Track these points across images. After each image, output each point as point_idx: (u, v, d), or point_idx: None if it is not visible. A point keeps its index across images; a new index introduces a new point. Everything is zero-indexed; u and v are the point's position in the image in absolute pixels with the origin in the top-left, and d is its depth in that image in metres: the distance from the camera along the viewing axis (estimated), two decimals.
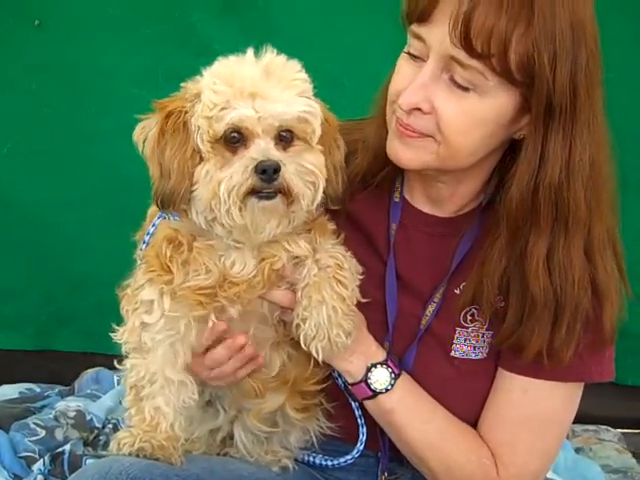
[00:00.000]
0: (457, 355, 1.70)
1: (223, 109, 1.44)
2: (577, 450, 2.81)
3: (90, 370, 2.98)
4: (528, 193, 1.52)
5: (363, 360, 1.64)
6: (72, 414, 2.62)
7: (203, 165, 1.46)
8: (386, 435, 1.73)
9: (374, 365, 1.64)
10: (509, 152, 1.62)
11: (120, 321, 3.15)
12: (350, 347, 1.59)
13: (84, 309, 3.21)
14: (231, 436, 1.74)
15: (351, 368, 1.64)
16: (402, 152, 1.58)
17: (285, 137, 1.47)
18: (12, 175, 3.16)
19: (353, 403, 1.70)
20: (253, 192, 1.44)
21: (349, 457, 1.75)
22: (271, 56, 1.48)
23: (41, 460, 2.40)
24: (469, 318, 1.69)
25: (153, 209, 1.63)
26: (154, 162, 1.50)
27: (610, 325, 1.60)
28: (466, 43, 1.44)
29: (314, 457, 1.80)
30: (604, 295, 1.58)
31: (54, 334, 3.25)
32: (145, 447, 1.51)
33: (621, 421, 3.06)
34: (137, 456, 1.51)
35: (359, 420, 1.72)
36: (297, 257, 1.57)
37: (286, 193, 1.45)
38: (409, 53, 1.55)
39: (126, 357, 1.59)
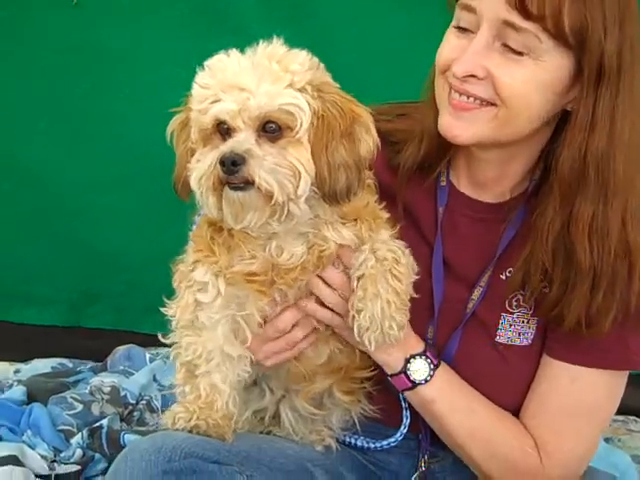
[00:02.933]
0: (502, 341, 1.70)
1: (213, 102, 1.46)
2: (606, 440, 2.80)
3: (122, 347, 2.99)
4: (579, 157, 1.54)
5: (402, 352, 1.65)
6: (107, 389, 2.64)
7: (195, 157, 1.50)
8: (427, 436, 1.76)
9: (413, 356, 1.65)
10: (555, 136, 1.63)
11: (150, 300, 3.19)
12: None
13: (113, 288, 3.22)
14: (274, 416, 1.76)
15: (390, 360, 1.65)
16: (455, 126, 1.58)
17: (271, 129, 1.46)
18: (47, 153, 3.16)
19: (400, 394, 1.71)
20: (226, 183, 1.45)
21: (392, 440, 1.76)
22: (268, 48, 1.49)
23: (79, 434, 2.42)
24: (514, 304, 1.69)
25: None
26: (176, 154, 1.57)
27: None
28: (521, 5, 1.46)
29: (356, 439, 1.81)
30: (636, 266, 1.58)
31: (84, 311, 3.26)
32: (200, 425, 1.52)
33: None
34: (190, 432, 1.52)
35: (403, 403, 1.73)
36: (345, 245, 1.57)
37: (255, 185, 1.44)
38: (458, 27, 1.57)
39: (173, 332, 1.60)
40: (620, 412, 2.98)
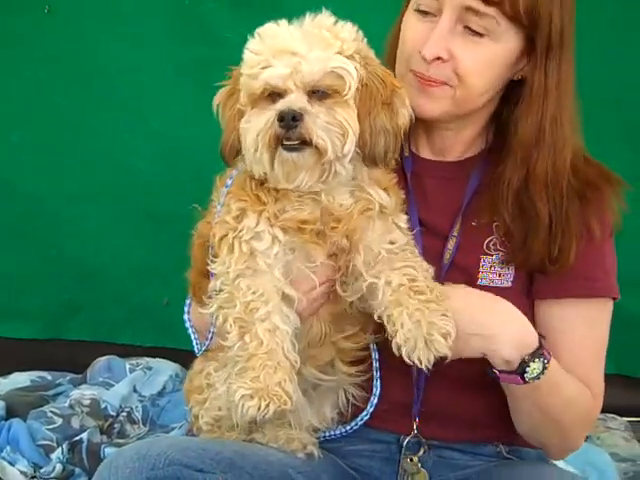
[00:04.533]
0: (484, 283, 1.75)
1: (263, 68, 1.51)
2: (585, 438, 2.83)
3: (101, 358, 2.98)
4: (537, 123, 1.71)
5: (519, 348, 1.60)
6: (87, 402, 2.63)
7: (244, 120, 1.55)
8: (415, 418, 1.78)
9: (530, 357, 1.60)
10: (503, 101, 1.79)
11: (130, 311, 3.18)
12: (493, 337, 1.59)
13: (93, 300, 3.21)
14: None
15: (507, 356, 1.60)
16: (424, 104, 1.71)
17: (319, 92, 1.52)
18: (20, 164, 3.15)
19: (374, 362, 1.72)
20: (280, 144, 1.50)
21: (364, 413, 1.76)
22: (317, 18, 1.56)
23: (59, 448, 2.41)
24: (492, 247, 1.77)
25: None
26: (222, 123, 1.61)
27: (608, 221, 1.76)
28: None
29: (334, 429, 1.81)
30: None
31: (64, 324, 3.24)
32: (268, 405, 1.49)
33: (628, 410, 3.09)
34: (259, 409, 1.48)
35: (375, 373, 1.72)
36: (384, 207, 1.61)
37: (311, 144, 1.50)
38: (419, 10, 1.70)
39: (220, 291, 1.57)
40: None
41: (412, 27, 1.72)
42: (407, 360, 1.52)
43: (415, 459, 1.82)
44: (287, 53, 1.50)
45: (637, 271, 2.93)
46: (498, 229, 1.76)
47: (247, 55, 1.54)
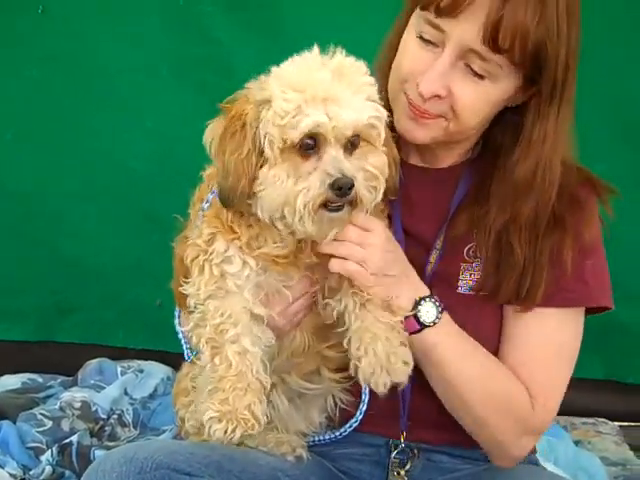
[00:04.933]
0: (463, 291, 1.75)
1: (296, 116, 1.46)
2: (576, 443, 2.84)
3: (93, 361, 2.97)
4: (533, 167, 1.67)
5: (411, 293, 1.66)
6: (77, 405, 2.62)
7: (269, 168, 1.49)
8: (404, 421, 1.77)
9: (423, 299, 1.66)
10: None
11: (121, 313, 3.17)
12: (400, 284, 1.63)
13: (85, 301, 3.19)
14: None
15: (401, 302, 1.64)
16: (415, 132, 1.68)
17: (354, 142, 1.50)
18: (15, 163, 3.13)
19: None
20: (324, 205, 1.49)
21: (353, 420, 1.76)
22: (340, 57, 1.51)
23: (49, 451, 2.40)
24: (471, 254, 1.76)
25: (210, 171, 1.66)
26: (218, 162, 1.54)
27: (588, 236, 1.73)
28: (494, 42, 1.54)
29: (323, 434, 1.82)
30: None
31: (55, 326, 3.22)
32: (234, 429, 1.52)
33: (620, 415, 3.11)
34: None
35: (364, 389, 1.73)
36: None
37: (353, 203, 1.50)
38: (422, 37, 1.63)
39: (192, 312, 1.60)
40: (589, 414, 3.07)
41: (412, 53, 1.65)
42: (362, 383, 1.59)
43: (402, 472, 1.82)
44: (324, 99, 1.45)
45: (628, 280, 2.94)
46: (473, 233, 1.74)
47: (277, 104, 1.46)
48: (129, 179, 3.12)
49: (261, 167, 1.50)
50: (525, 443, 1.75)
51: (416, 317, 1.65)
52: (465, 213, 1.75)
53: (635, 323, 3.12)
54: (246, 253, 1.56)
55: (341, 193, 1.46)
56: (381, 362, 1.56)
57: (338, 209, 1.50)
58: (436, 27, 1.59)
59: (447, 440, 1.82)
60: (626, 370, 3.17)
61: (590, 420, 3.00)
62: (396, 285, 1.63)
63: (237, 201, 1.52)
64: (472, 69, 1.60)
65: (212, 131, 1.55)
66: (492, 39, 1.54)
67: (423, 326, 1.65)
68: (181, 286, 1.61)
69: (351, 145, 1.50)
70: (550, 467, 2.29)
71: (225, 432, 1.51)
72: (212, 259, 1.57)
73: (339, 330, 1.62)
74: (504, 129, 1.74)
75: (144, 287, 3.07)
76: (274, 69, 1.53)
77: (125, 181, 3.12)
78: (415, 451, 1.83)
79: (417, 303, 1.65)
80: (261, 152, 1.49)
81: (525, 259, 1.69)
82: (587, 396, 3.11)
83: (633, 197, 3.01)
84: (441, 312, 1.66)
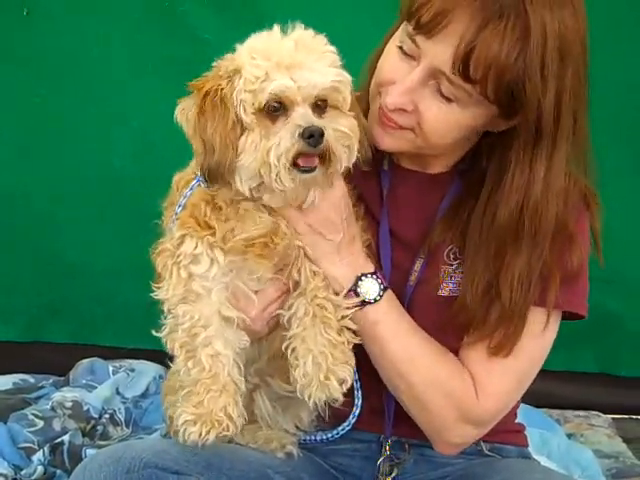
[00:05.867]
0: (444, 294, 1.73)
1: (264, 81, 1.49)
2: (569, 436, 2.84)
3: (85, 360, 2.96)
4: (516, 212, 1.60)
5: (352, 269, 1.65)
6: (69, 404, 2.61)
7: (247, 135, 1.51)
8: (391, 417, 1.76)
9: (364, 275, 1.65)
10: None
11: (112, 312, 3.16)
12: (339, 254, 1.62)
13: (75, 300, 3.19)
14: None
15: (339, 275, 1.64)
16: (381, 138, 1.66)
17: (320, 106, 1.52)
18: (0, 164, 3.13)
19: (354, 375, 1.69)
20: (294, 165, 1.49)
21: (346, 424, 1.75)
22: (301, 31, 1.54)
23: (40, 451, 2.40)
24: (452, 256, 1.74)
25: (179, 177, 1.67)
26: (197, 140, 1.53)
27: (573, 264, 1.65)
28: (464, 71, 1.51)
29: (314, 435, 1.81)
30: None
31: (46, 325, 3.22)
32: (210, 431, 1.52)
33: (613, 408, 3.11)
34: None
35: (355, 384, 1.70)
36: None
37: (325, 157, 1.50)
38: (401, 49, 1.60)
39: (165, 318, 1.60)
40: (582, 407, 3.08)
41: (390, 60, 1.64)
42: (299, 394, 1.59)
43: (393, 471, 1.82)
44: (289, 66, 1.48)
45: (618, 271, 2.95)
46: (456, 237, 1.71)
47: (247, 70, 1.49)
48: (115, 179, 3.12)
49: (239, 137, 1.52)
50: (467, 432, 1.72)
51: (357, 293, 1.64)
52: (448, 223, 1.72)
53: (627, 316, 3.14)
54: (217, 247, 1.55)
55: (313, 142, 1.46)
56: (318, 376, 1.57)
57: (311, 170, 1.50)
58: (414, 42, 1.57)
59: None
60: (618, 363, 3.18)
61: (583, 413, 3.01)
62: (331, 254, 1.62)
63: (224, 176, 1.52)
64: (441, 92, 1.56)
65: (184, 110, 1.55)
66: (463, 68, 1.50)
67: (364, 303, 1.64)
68: (153, 292, 1.61)
69: (318, 108, 1.52)
70: (543, 460, 2.29)
71: (200, 435, 1.52)
72: (180, 261, 1.56)
73: (283, 334, 1.62)
74: (490, 154, 1.67)
75: (134, 286, 3.04)
76: (240, 45, 1.56)
77: (111, 181, 3.12)
78: (406, 446, 1.83)
79: (358, 279, 1.64)
80: (241, 122, 1.51)
81: (513, 307, 1.63)
82: (580, 389, 3.13)
83: (630, 192, 3.03)
84: (384, 290, 1.65)
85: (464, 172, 1.76)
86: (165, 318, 1.60)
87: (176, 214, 1.62)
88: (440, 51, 1.53)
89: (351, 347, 1.61)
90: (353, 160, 1.55)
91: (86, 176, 3.11)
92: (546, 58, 1.50)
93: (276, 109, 1.49)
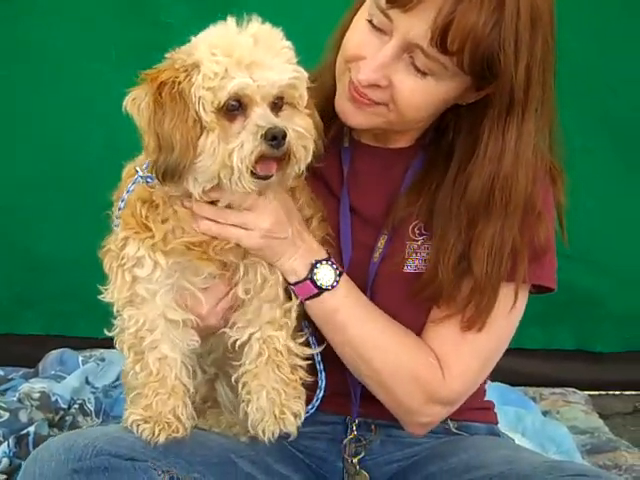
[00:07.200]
0: (410, 270, 1.71)
1: (223, 79, 1.44)
2: (544, 413, 2.85)
3: (54, 351, 2.94)
4: (488, 184, 1.59)
5: (307, 257, 1.62)
6: (36, 395, 2.58)
7: (207, 136, 1.46)
8: (357, 398, 1.74)
9: (319, 262, 1.62)
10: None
11: (83, 302, 3.12)
12: (295, 246, 1.60)
13: (46, 291, 3.16)
14: (204, 399, 1.74)
15: (295, 265, 1.61)
16: (352, 115, 1.63)
17: (277, 104, 1.49)
18: None
19: (316, 357, 1.68)
20: (253, 170, 1.46)
21: (309, 407, 1.71)
22: (257, 24, 1.49)
23: (5, 442, 2.36)
24: (417, 232, 1.72)
25: (128, 169, 1.62)
26: (151, 134, 1.47)
27: (540, 239, 1.64)
28: (442, 43, 1.48)
29: None
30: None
31: (16, 317, 3.19)
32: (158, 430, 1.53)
33: (588, 384, 3.12)
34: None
35: (318, 366, 1.69)
36: None
37: (285, 159, 1.48)
38: (371, 23, 1.57)
39: (115, 318, 1.59)
40: (559, 384, 3.08)
41: (359, 35, 1.60)
42: (250, 429, 1.59)
43: (355, 460, 1.80)
44: (249, 64, 1.45)
45: (592, 249, 2.95)
46: (421, 212, 1.69)
47: (206, 66, 1.44)
48: (85, 167, 3.07)
49: (199, 137, 1.47)
50: (435, 412, 1.71)
51: (313, 281, 1.61)
52: (413, 197, 1.70)
53: (601, 292, 3.14)
54: (159, 250, 1.52)
55: (275, 144, 1.44)
56: (272, 411, 1.57)
57: (267, 177, 1.47)
58: (386, 16, 1.54)
59: None
60: (594, 339, 3.18)
61: (559, 390, 3.01)
62: (289, 251, 1.60)
63: (182, 176, 1.47)
64: (416, 65, 1.54)
65: (136, 101, 1.48)
66: (441, 40, 1.48)
67: (321, 290, 1.62)
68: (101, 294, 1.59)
69: (276, 107, 1.49)
70: (518, 438, 2.28)
71: (153, 433, 1.53)
72: (125, 264, 1.54)
73: (235, 363, 1.62)
74: (458, 127, 1.66)
75: (103, 277, 3.02)
76: (196, 37, 1.50)
77: (82, 169, 3.07)
78: (373, 427, 1.81)
79: (313, 266, 1.62)
80: (201, 121, 1.46)
81: (485, 277, 1.62)
82: (556, 366, 3.13)
83: (600, 170, 3.02)
84: (339, 275, 1.63)
85: (427, 146, 1.74)
86: (115, 318, 1.59)
87: (119, 209, 1.58)
88: (416, 24, 1.50)
89: (303, 379, 1.61)
90: (309, 160, 1.52)
91: (55, 165, 3.07)
92: (519, 27, 1.50)
93: (234, 108, 1.46)
